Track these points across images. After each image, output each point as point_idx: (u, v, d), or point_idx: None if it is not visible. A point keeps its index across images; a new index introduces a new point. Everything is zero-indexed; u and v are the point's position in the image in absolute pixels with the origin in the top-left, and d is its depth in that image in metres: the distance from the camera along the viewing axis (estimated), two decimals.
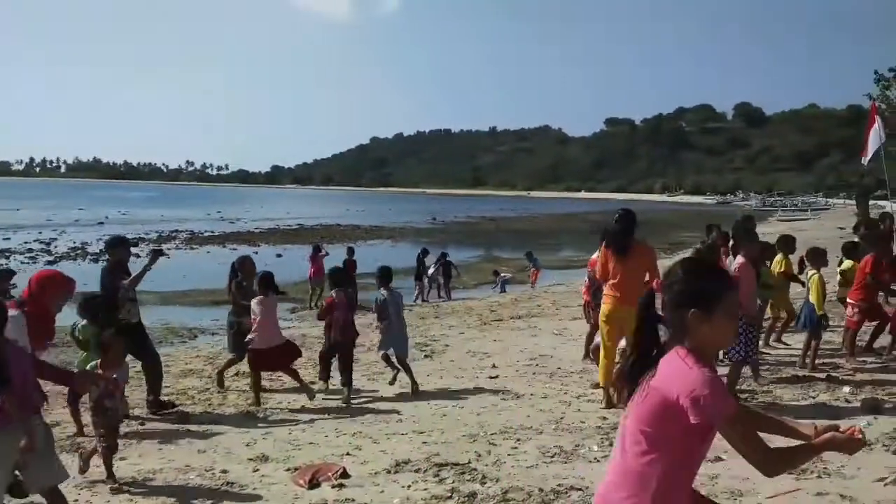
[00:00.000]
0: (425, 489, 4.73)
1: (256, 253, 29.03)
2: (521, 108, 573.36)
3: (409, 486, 4.81)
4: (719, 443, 5.31)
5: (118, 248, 7.12)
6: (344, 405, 7.12)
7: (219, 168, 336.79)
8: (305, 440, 5.94)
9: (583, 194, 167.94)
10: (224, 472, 5.20)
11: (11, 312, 4.07)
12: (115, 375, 4.94)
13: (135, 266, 7.32)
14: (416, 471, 5.09)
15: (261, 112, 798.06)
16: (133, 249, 8.83)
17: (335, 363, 7.85)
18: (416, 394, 7.46)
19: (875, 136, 17.29)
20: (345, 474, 5.02)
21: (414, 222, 56.36)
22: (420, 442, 5.78)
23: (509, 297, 17.46)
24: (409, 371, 7.66)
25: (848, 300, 8.20)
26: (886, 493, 4.32)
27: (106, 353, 5.07)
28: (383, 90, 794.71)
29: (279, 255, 26.93)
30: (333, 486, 4.85)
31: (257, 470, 5.22)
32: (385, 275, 8.18)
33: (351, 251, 16.94)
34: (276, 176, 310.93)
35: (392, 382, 7.73)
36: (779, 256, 8.98)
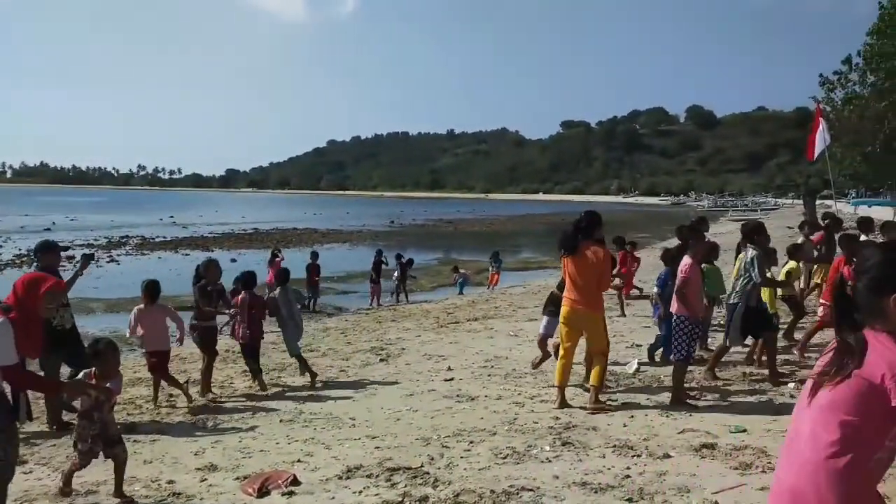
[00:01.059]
0: (377, 494, 4.69)
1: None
2: (479, 111, 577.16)
3: (360, 492, 4.76)
4: (666, 440, 5.40)
5: (47, 253, 6.78)
6: (264, 392, 7.84)
7: (171, 172, 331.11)
8: (256, 448, 5.83)
9: (540, 196, 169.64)
10: (170, 482, 5.07)
11: None
12: (108, 386, 4.65)
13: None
14: (368, 476, 5.04)
15: (215, 114, 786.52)
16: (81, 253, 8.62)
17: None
18: (313, 385, 8.12)
19: (820, 138, 17.82)
20: (295, 481, 4.94)
21: (372, 226, 56.12)
22: (373, 447, 5.73)
23: (466, 298, 17.48)
24: (304, 363, 8.41)
25: (821, 300, 8.38)
26: None
27: (99, 362, 4.73)
28: (340, 92, 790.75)
29: (234, 260, 26.40)
30: (283, 494, 4.77)
31: (205, 480, 5.10)
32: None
33: (315, 255, 16.79)
34: (231, 180, 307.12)
35: (304, 375, 8.38)
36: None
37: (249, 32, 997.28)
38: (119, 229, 44.93)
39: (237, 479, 5.11)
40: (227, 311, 8.26)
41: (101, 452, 4.72)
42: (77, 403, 4.89)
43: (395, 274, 18.39)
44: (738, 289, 7.31)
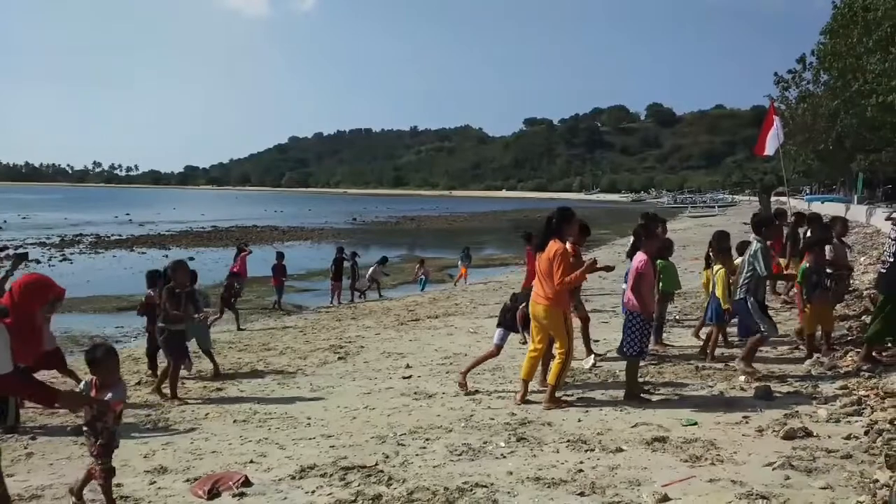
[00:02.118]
0: (330, 493, 4.65)
1: (167, 256, 28.14)
2: (442, 108, 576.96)
3: (313, 492, 4.71)
4: (619, 434, 5.47)
5: None
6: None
7: (128, 169, 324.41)
8: (208, 449, 5.74)
9: (504, 193, 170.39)
10: (118, 485, 4.93)
11: None
12: (109, 395, 4.35)
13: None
14: (322, 475, 5.00)
15: (173, 110, 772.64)
16: (40, 253, 8.41)
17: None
18: (217, 377, 8.36)
19: (774, 136, 18.18)
20: (246, 482, 4.87)
21: (334, 223, 55.78)
22: (328, 446, 5.69)
23: (428, 296, 17.46)
24: (212, 358, 8.59)
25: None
26: (774, 476, 4.51)
27: (98, 370, 4.42)
28: (302, 88, 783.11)
29: (191, 258, 26.02)
30: (234, 496, 4.70)
31: (154, 482, 5.00)
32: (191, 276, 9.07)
33: (280, 256, 16.52)
34: (190, 176, 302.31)
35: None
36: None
37: (210, 27, 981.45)
38: (73, 227, 43.91)
39: (187, 481, 5.02)
40: (197, 316, 8.11)
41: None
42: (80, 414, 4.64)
43: (369, 271, 18.40)
44: (741, 283, 7.18)
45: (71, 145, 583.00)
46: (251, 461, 5.39)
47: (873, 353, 7.24)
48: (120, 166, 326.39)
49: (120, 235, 38.76)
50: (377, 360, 9.21)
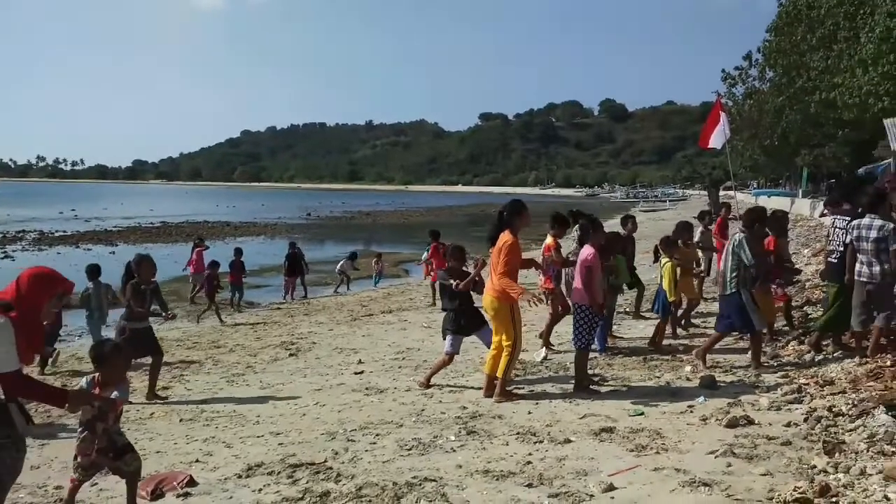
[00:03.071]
0: (277, 492, 4.58)
1: (113, 252, 27.48)
2: (398, 103, 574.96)
3: (259, 490, 4.65)
4: (568, 426, 5.51)
5: None
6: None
7: (74, 163, 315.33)
8: (153, 449, 5.61)
9: (460, 188, 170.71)
10: (58, 488, 4.81)
11: None
12: (114, 394, 4.16)
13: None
14: (269, 473, 4.93)
15: (121, 102, 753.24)
16: None
17: None
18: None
19: (721, 131, 18.57)
20: (191, 482, 4.78)
21: (287, 218, 55.12)
22: (276, 443, 5.61)
23: (382, 291, 17.42)
24: None
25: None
26: (716, 464, 4.61)
27: (103, 367, 4.21)
28: (255, 82, 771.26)
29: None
30: (178, 496, 4.60)
31: (95, 484, 4.85)
32: (93, 269, 9.48)
33: (238, 252, 16.16)
34: (139, 171, 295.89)
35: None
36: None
37: (161, 18, 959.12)
38: (15, 223, 42.46)
39: None
40: (164, 313, 7.89)
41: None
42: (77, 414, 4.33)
43: (339, 265, 18.49)
44: (728, 279, 7.10)
45: (12, 139, 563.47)
46: (197, 460, 5.30)
47: (822, 342, 7.44)
48: (65, 161, 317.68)
49: (65, 231, 37.65)
50: (329, 356, 9.13)
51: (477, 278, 6.99)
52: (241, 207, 69.58)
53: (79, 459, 4.22)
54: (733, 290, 7.07)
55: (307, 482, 4.71)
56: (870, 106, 28.37)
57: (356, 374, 8.04)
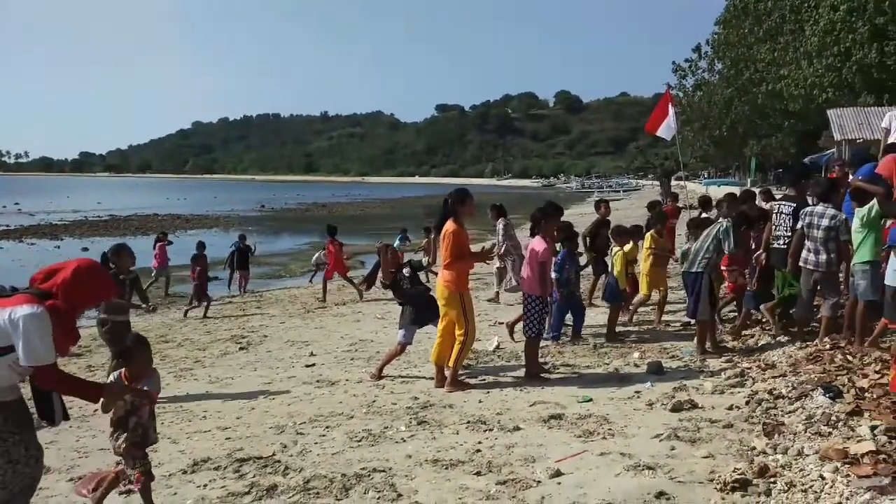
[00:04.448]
0: (223, 487, 4.51)
1: (59, 247, 26.72)
2: (353, 94, 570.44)
3: (205, 486, 4.57)
4: (518, 413, 5.54)
5: None
6: None
7: (17, 156, 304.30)
8: (95, 447, 5.46)
9: (417, 179, 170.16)
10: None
11: (28, 310, 3.08)
12: (144, 387, 3.98)
13: None
14: (216, 468, 4.85)
15: (67, 93, 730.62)
16: None
17: None
18: None
19: (668, 124, 18.87)
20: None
21: (240, 210, 54.27)
22: (223, 438, 5.53)
23: (337, 283, 17.24)
24: None
25: (722, 267, 8.63)
26: (660, 447, 4.69)
27: (130, 361, 4.00)
28: (206, 71, 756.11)
29: (85, 249, 24.77)
30: (120, 493, 4.48)
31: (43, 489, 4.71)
32: None
33: (201, 246, 15.70)
34: (86, 163, 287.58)
35: None
36: (648, 234, 9.13)
37: (108, 7, 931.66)
38: None
39: (71, 480, 4.79)
40: (144, 305, 7.64)
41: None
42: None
43: (315, 256, 18.06)
44: (700, 258, 7.18)
45: None
46: None
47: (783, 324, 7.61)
48: (8, 153, 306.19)
49: (8, 226, 36.37)
50: (280, 350, 9.03)
51: (385, 266, 7.04)
52: (193, 200, 68.20)
53: (128, 454, 4.00)
54: (699, 270, 7.17)
55: (254, 476, 4.65)
56: (814, 97, 29.23)
57: (307, 366, 7.97)
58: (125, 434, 3.96)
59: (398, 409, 6.00)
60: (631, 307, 9.11)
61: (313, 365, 8.03)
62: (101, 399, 3.64)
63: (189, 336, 10.40)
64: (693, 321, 7.59)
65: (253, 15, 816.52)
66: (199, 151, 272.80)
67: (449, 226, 6.46)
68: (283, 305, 13.41)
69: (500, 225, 11.16)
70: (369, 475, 4.55)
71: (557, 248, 8.37)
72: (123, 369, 4.02)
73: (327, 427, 5.65)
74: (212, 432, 5.70)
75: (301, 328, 10.62)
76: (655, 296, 9.07)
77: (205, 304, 12.80)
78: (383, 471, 4.61)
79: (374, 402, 6.31)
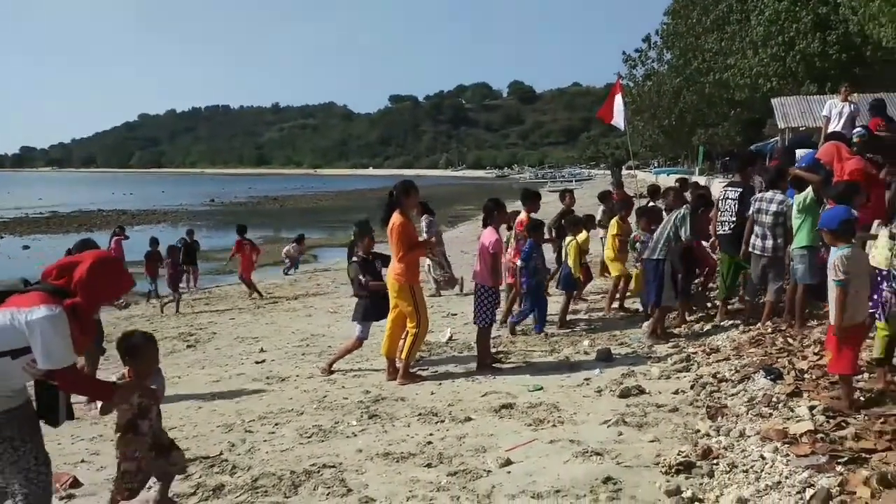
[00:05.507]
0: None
1: None
2: (305, 85, 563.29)
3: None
4: (469, 404, 5.54)
5: None
6: None
7: None
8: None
9: (371, 171, 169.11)
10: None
11: (46, 311, 2.95)
12: (153, 386, 3.82)
13: None
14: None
15: (6, 85, 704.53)
16: None
17: None
18: None
19: (618, 113, 19.13)
20: (75, 483, 4.54)
21: (189, 205, 53.18)
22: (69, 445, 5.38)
23: (289, 277, 17.07)
24: None
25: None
26: (609, 433, 4.75)
27: (135, 359, 3.77)
28: (152, 61, 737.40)
29: (26, 247, 23.97)
30: (61, 498, 4.35)
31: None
32: None
33: (155, 242, 15.31)
34: (27, 158, 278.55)
35: None
36: (614, 221, 9.28)
37: None
38: None
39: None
40: (117, 303, 7.32)
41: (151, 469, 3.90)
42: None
43: (286, 248, 18.00)
44: (660, 246, 7.28)
45: None
46: (82, 461, 5.04)
47: (728, 309, 7.78)
48: None
49: None
50: (230, 347, 8.89)
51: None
52: (140, 195, 66.65)
53: (123, 466, 3.80)
54: (660, 257, 7.28)
55: (200, 476, 4.55)
56: (759, 86, 29.90)
57: (257, 363, 7.86)
58: (140, 438, 3.77)
59: (349, 404, 5.96)
60: (608, 296, 9.22)
61: (263, 361, 7.92)
62: (106, 400, 3.55)
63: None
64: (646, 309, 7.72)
65: (201, 4, 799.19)
66: (145, 145, 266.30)
67: (396, 218, 6.43)
68: (234, 301, 13.21)
69: (424, 222, 11.19)
70: (319, 471, 4.50)
71: (508, 238, 8.45)
72: (128, 368, 3.85)
73: (277, 424, 5.57)
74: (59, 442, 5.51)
75: (251, 324, 10.47)
76: (606, 282, 9.20)
77: (177, 296, 12.64)
78: (333, 466, 4.57)
79: (324, 397, 6.25)
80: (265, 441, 5.19)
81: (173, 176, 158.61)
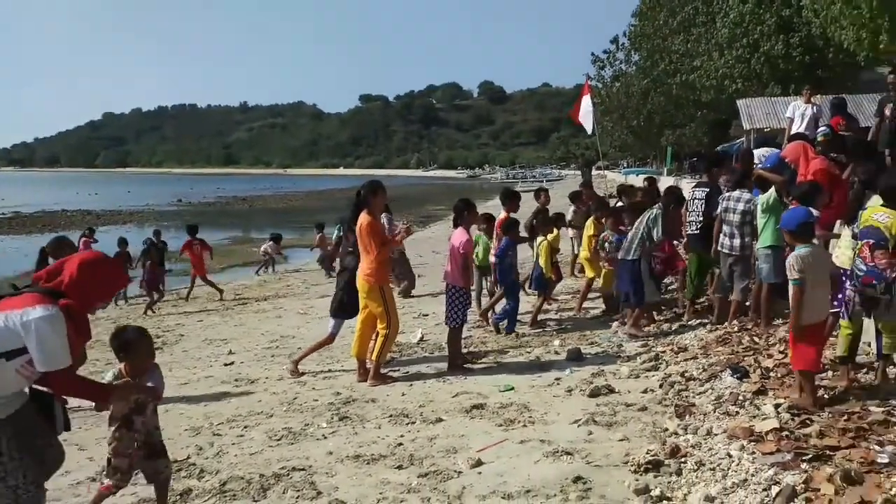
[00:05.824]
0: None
1: None
2: (274, 84, 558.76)
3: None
4: (440, 405, 5.54)
5: None
6: None
7: None
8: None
9: (341, 171, 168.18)
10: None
11: (43, 311, 2.88)
12: (148, 383, 3.70)
13: None
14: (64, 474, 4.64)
15: None
16: None
17: None
18: None
19: (587, 115, 19.29)
20: None
21: (156, 205, 52.37)
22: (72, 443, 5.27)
23: (258, 279, 16.90)
24: None
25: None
26: (579, 432, 4.78)
27: (130, 355, 3.71)
28: (117, 60, 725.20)
29: None
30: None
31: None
32: None
33: (123, 243, 14.97)
34: None
35: None
36: (589, 221, 9.30)
37: None
38: None
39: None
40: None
41: (140, 468, 3.81)
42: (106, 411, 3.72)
43: (263, 247, 17.91)
44: (634, 246, 7.37)
45: None
46: None
47: (696, 308, 7.86)
48: None
49: None
50: (198, 349, 8.77)
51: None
52: (105, 195, 65.45)
53: (114, 462, 3.71)
54: (635, 258, 7.37)
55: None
56: (725, 87, 30.31)
57: (226, 365, 7.76)
58: (132, 434, 3.70)
59: (320, 406, 5.91)
60: (580, 296, 9.26)
61: (232, 363, 7.83)
62: (103, 403, 3.45)
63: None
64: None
65: (167, 2, 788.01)
66: (110, 144, 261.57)
67: (363, 218, 6.40)
68: (202, 303, 13.04)
69: (384, 220, 11.20)
70: (288, 474, 4.46)
71: (477, 237, 8.46)
72: (123, 364, 3.77)
73: (245, 427, 5.51)
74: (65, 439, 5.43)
75: (220, 326, 10.34)
76: (577, 282, 9.26)
77: (157, 297, 12.61)
78: (303, 469, 4.53)
79: (294, 399, 6.20)
80: (233, 444, 5.13)
81: (140, 176, 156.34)
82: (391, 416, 5.47)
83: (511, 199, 8.96)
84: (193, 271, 13.84)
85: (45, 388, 3.19)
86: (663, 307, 8.44)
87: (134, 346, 3.74)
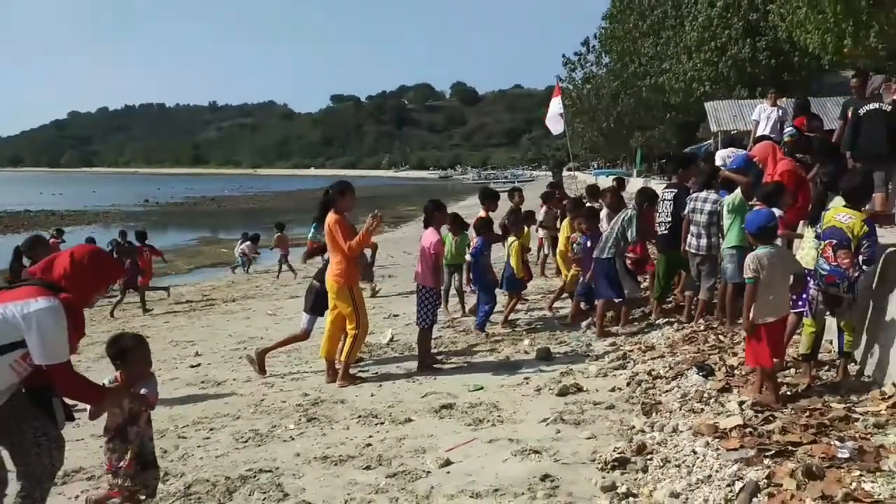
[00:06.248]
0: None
1: None
2: (244, 83, 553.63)
3: (76, 497, 4.30)
4: (410, 405, 5.52)
5: None
6: None
7: None
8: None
9: (313, 171, 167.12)
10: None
11: (45, 303, 2.85)
12: (143, 390, 3.58)
13: None
14: (89, 478, 4.58)
15: None
16: None
17: None
18: None
19: (556, 116, 19.40)
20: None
21: (122, 205, 51.52)
22: (97, 446, 5.16)
23: (226, 279, 16.71)
24: None
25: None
26: (547, 431, 4.80)
27: (126, 362, 3.62)
28: (83, 58, 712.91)
29: None
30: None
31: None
32: None
33: (92, 242, 14.67)
34: None
35: None
36: (565, 222, 9.33)
37: None
38: None
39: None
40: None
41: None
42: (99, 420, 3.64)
43: (241, 246, 17.60)
44: (609, 245, 7.44)
45: None
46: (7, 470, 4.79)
47: (663, 308, 7.93)
48: None
49: None
50: (163, 350, 8.61)
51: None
52: (70, 195, 64.23)
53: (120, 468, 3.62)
54: (609, 256, 7.44)
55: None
56: (693, 90, 30.77)
57: (192, 367, 7.65)
58: (126, 445, 3.62)
59: (287, 407, 5.85)
60: (554, 296, 9.29)
61: (199, 365, 7.72)
62: (96, 404, 3.42)
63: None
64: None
65: (131, 3, 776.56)
66: (76, 143, 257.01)
67: (331, 217, 6.37)
68: (167, 304, 12.85)
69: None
70: (255, 476, 4.42)
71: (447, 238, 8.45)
72: (119, 372, 3.68)
73: (212, 429, 5.44)
74: (85, 441, 5.35)
75: (186, 327, 10.20)
76: (547, 282, 9.30)
77: (139, 295, 12.51)
78: (270, 471, 4.48)
79: (262, 400, 6.13)
80: (199, 447, 5.06)
81: (106, 175, 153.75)
82: (360, 416, 5.44)
83: (490, 198, 8.98)
84: (141, 279, 13.30)
85: (41, 387, 3.18)
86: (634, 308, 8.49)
87: (131, 353, 3.68)
